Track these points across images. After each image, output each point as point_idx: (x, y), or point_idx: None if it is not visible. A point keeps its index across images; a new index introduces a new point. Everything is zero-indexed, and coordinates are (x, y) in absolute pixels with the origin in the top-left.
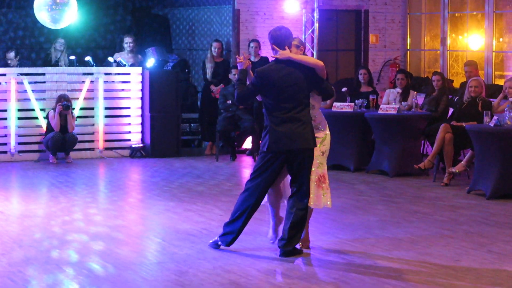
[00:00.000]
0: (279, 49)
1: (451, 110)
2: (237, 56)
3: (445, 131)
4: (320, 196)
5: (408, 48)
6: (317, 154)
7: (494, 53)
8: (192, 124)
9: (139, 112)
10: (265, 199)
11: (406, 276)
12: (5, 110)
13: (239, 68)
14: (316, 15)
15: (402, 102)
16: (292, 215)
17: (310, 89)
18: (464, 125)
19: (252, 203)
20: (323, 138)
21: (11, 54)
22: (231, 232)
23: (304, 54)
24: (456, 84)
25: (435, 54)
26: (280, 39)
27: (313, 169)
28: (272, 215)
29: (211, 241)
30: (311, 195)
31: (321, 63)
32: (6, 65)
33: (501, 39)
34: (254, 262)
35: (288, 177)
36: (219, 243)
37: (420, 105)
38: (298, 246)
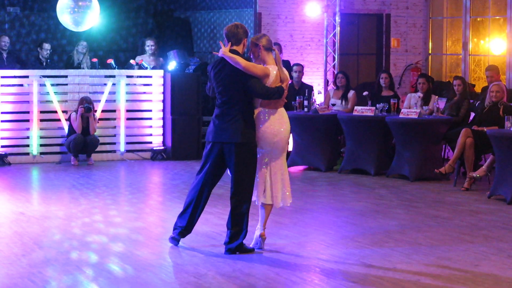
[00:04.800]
0: (222, 44)
1: (472, 114)
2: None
3: (466, 135)
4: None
5: (430, 52)
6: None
7: None
8: None
9: (161, 114)
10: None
11: (425, 280)
12: (28, 112)
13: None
14: (337, 18)
15: (424, 107)
16: (230, 212)
17: (242, 86)
18: (485, 129)
19: (196, 195)
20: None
21: (47, 45)
22: (180, 225)
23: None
24: (478, 89)
25: (456, 58)
26: (228, 35)
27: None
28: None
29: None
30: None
31: (243, 63)
32: (37, 59)
33: None
34: (273, 264)
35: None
36: (175, 236)
37: (441, 110)
38: (256, 245)
